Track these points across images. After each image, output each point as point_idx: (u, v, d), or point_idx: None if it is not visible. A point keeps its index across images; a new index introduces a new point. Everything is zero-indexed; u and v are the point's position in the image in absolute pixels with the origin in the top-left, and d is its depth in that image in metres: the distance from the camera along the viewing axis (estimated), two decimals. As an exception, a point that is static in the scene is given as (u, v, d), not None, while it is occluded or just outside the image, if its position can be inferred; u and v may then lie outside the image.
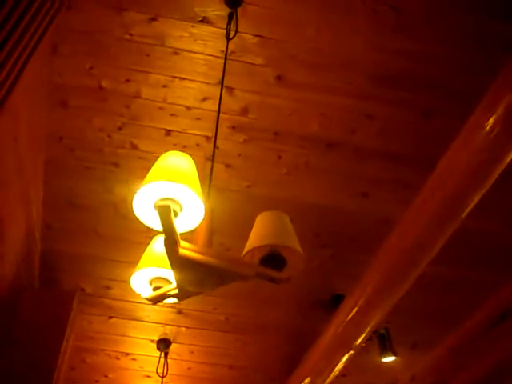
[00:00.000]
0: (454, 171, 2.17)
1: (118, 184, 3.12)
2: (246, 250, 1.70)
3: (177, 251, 1.50)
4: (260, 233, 1.73)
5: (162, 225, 1.45)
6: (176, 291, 1.72)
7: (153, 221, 1.55)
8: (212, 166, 2.21)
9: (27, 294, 3.19)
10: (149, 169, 3.00)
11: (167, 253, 1.52)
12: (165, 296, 1.77)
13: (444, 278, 3.72)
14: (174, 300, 1.82)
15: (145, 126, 2.88)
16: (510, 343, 1.82)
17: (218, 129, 2.76)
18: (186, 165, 1.55)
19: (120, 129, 2.89)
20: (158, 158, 2.90)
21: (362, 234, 3.43)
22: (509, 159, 2.06)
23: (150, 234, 3.30)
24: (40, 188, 3.12)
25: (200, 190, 1.51)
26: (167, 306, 3.83)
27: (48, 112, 2.81)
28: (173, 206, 1.45)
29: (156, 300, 1.79)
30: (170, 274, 1.81)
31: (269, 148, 2.95)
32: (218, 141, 2.89)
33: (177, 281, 1.65)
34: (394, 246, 2.72)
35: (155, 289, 1.81)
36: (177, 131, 2.89)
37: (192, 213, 1.54)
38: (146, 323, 3.98)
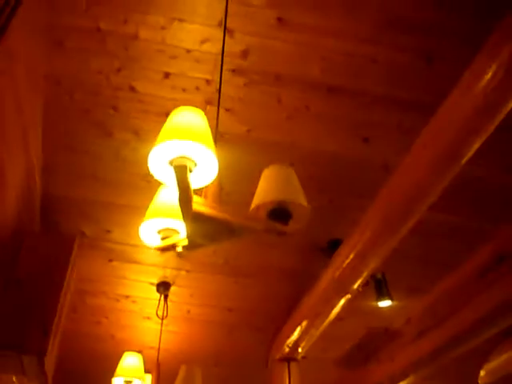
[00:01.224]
0: (455, 116, 2.16)
1: (117, 127, 3.10)
2: (253, 204, 1.74)
3: (191, 207, 1.54)
4: (267, 188, 1.77)
5: (178, 183, 1.48)
6: (185, 242, 1.78)
7: (167, 177, 1.56)
8: (218, 116, 2.19)
9: (28, 237, 3.20)
10: (147, 112, 2.99)
11: (181, 208, 1.55)
12: (174, 246, 1.83)
13: (442, 224, 3.74)
14: (183, 250, 1.87)
15: (143, 69, 2.84)
16: (504, 287, 1.84)
17: (219, 72, 2.74)
18: (199, 121, 1.56)
19: (118, 71, 2.85)
20: (156, 100, 2.90)
21: (361, 179, 3.43)
22: (511, 105, 2.05)
23: (150, 177, 3.29)
24: (39, 131, 3.10)
25: (214, 146, 1.53)
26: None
27: (46, 54, 2.76)
28: (188, 164, 1.48)
29: (165, 249, 1.86)
30: (178, 224, 1.85)
31: (269, 92, 2.92)
32: (218, 84, 2.88)
33: (188, 234, 1.70)
34: (393, 191, 2.72)
35: (164, 239, 1.86)
36: (176, 74, 2.85)
37: (205, 169, 1.56)
38: (146, 266, 4.03)
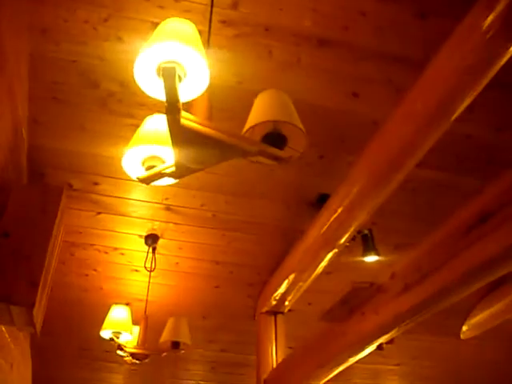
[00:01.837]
0: (445, 71, 2.14)
1: (104, 78, 3.06)
2: (246, 126, 1.65)
3: (179, 120, 1.43)
4: (261, 110, 1.68)
5: (166, 89, 1.37)
6: (172, 169, 1.66)
7: (154, 89, 1.47)
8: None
9: (15, 190, 3.18)
10: (134, 62, 2.94)
11: (168, 122, 1.45)
12: (159, 175, 1.70)
13: (429, 180, 3.76)
14: (168, 181, 1.76)
15: (130, 18, 2.78)
16: (488, 245, 1.85)
17: (208, 23, 2.69)
18: (190, 30, 1.47)
19: (105, 20, 2.78)
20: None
21: (351, 135, 3.42)
22: (504, 61, 2.03)
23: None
24: (25, 82, 3.04)
25: (205, 54, 1.44)
26: (155, 202, 3.87)
27: (31, 3, 2.69)
28: (178, 71, 1.37)
29: (149, 180, 1.72)
30: (164, 152, 1.75)
31: (260, 43, 2.87)
32: (207, 35, 2.83)
33: (176, 155, 1.58)
34: (381, 146, 2.72)
35: (148, 169, 1.74)
36: (164, 24, 2.80)
37: (196, 80, 1.46)
38: (134, 219, 4.03)
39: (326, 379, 3.45)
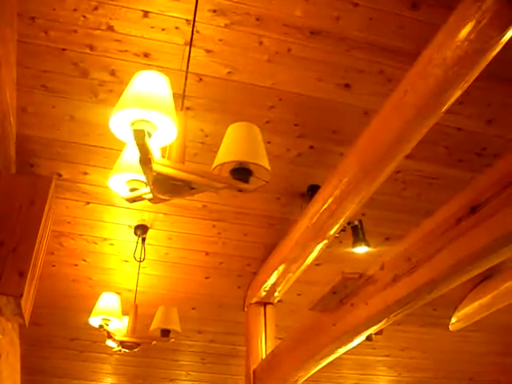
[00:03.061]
0: (437, 62, 2.14)
1: (93, 67, 3.04)
2: (215, 163, 1.80)
3: (151, 168, 1.62)
4: (229, 147, 1.82)
5: (137, 146, 1.55)
6: (150, 195, 1.85)
7: (128, 137, 1.63)
8: (188, 58, 2.15)
9: (3, 179, 3.16)
10: (125, 52, 2.93)
11: (142, 169, 1.65)
12: (140, 198, 1.93)
13: (420, 173, 3.78)
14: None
15: (121, 7, 2.76)
16: (478, 236, 1.86)
17: (199, 12, 2.67)
18: (159, 86, 1.63)
19: (95, 9, 2.76)
20: (134, 40, 2.83)
21: (342, 126, 3.42)
22: (495, 52, 2.03)
23: (127, 119, 3.25)
24: (13, 70, 3.02)
25: (174, 112, 1.61)
26: (145, 193, 3.85)
27: (18, -12, 2.67)
28: (147, 128, 1.55)
29: (133, 200, 1.96)
30: (144, 178, 1.91)
31: (251, 33, 2.86)
32: (198, 25, 2.82)
33: (151, 191, 1.78)
34: (372, 137, 2.72)
35: (132, 190, 1.96)
36: (155, 13, 2.78)
37: (166, 131, 1.63)
38: (124, 209, 4.01)
39: (315, 369, 3.46)
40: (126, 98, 1.58)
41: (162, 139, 1.67)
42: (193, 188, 1.76)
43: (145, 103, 1.54)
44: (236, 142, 1.82)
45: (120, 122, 1.59)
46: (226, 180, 1.77)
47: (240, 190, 1.80)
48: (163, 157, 1.76)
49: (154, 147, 1.69)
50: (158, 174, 1.66)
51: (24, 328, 4.35)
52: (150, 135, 1.56)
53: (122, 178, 1.98)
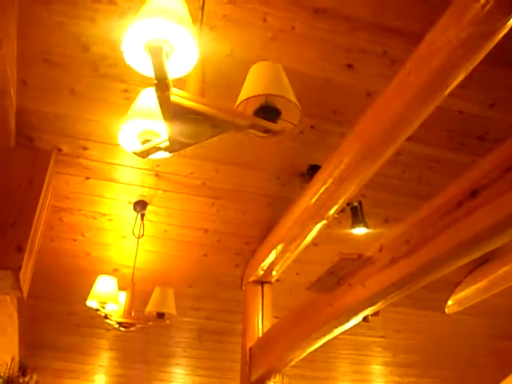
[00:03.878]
0: (441, 44, 2.11)
1: (95, 41, 3.00)
2: (239, 100, 1.65)
3: (168, 97, 1.45)
4: (254, 83, 1.67)
5: (154, 67, 1.38)
6: (166, 144, 1.68)
7: (143, 65, 1.47)
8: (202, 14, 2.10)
9: (3, 153, 3.16)
10: (127, 26, 2.88)
11: (158, 99, 1.47)
12: (154, 149, 1.73)
13: (421, 155, 3.77)
14: (163, 154, 1.77)
15: (124, -20, 2.73)
16: (478, 219, 1.86)
17: (202, -13, 2.63)
18: (178, 6, 1.45)
19: (97, -18, 2.73)
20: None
21: (344, 106, 3.40)
22: (500, 35, 2.00)
23: (129, 94, 3.23)
24: (13, 42, 2.98)
25: (194, 31, 1.43)
26: (144, 169, 3.84)
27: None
28: (165, 48, 1.38)
29: (145, 154, 1.75)
30: (159, 126, 1.76)
31: (255, 10, 2.83)
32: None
33: (168, 131, 1.61)
34: (374, 118, 2.70)
35: (144, 142, 1.76)
36: (158, -13, 2.74)
37: (184, 57, 1.46)
38: (123, 185, 4.00)
39: (311, 349, 3.48)
40: (142, 12, 1.41)
41: (180, 66, 1.48)
42: (215, 127, 1.59)
43: (164, 13, 1.37)
44: (260, 78, 1.67)
45: (134, 43, 1.41)
46: (251, 117, 1.60)
47: (267, 131, 1.62)
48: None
49: (172, 75, 1.49)
50: (177, 106, 1.48)
51: (23, 301, 4.37)
52: (167, 56, 1.39)
53: (134, 129, 1.80)
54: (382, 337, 6.03)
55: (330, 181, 3.15)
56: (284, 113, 1.65)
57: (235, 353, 5.41)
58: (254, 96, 1.60)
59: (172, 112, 1.50)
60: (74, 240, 4.53)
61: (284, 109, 1.64)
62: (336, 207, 3.32)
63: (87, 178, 3.94)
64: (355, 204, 3.89)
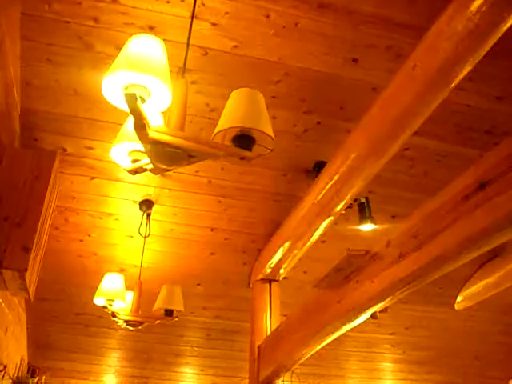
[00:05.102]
0: (447, 36, 2.09)
1: (98, 40, 2.99)
2: (217, 129, 1.75)
3: (146, 134, 1.58)
4: (232, 113, 1.76)
5: (130, 111, 1.51)
6: (151, 166, 1.84)
7: (122, 103, 1.58)
8: (190, 28, 2.11)
9: (8, 153, 3.14)
10: (130, 25, 2.88)
11: (137, 135, 1.61)
12: (142, 169, 1.91)
13: (429, 150, 3.74)
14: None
15: (126, -22, 2.71)
16: (486, 213, 1.83)
17: (205, -16, 2.62)
18: (154, 50, 1.58)
19: (99, -20, 2.72)
20: (139, 13, 2.78)
21: (350, 101, 3.38)
22: (507, 26, 1.97)
23: (132, 93, 3.21)
24: (17, 43, 2.98)
25: (168, 76, 1.56)
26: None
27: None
28: (140, 93, 1.51)
29: (134, 172, 1.94)
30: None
31: (257, 6, 2.80)
32: (203, -4, 2.77)
33: (150, 159, 1.75)
34: (380, 113, 2.68)
35: (133, 161, 1.93)
36: (160, -16, 2.73)
37: (161, 97, 1.59)
38: (129, 184, 3.99)
39: (320, 346, 3.46)
40: (118, 61, 1.53)
41: (157, 105, 1.62)
42: (192, 156, 1.72)
43: (136, 66, 1.51)
44: (238, 108, 1.76)
45: (112, 86, 1.55)
46: (226, 147, 1.72)
47: (242, 158, 1.75)
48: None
49: (151, 113, 1.65)
50: (155, 141, 1.62)
51: (31, 302, 4.37)
52: (143, 100, 1.52)
53: (124, 149, 1.94)
54: (392, 334, 5.99)
55: (336, 177, 3.13)
56: (259, 139, 1.76)
57: (244, 351, 5.40)
58: (230, 128, 1.72)
59: (150, 144, 1.65)
60: (81, 240, 4.52)
61: (259, 136, 1.74)
62: (343, 203, 3.30)
63: (92, 178, 3.93)
64: (362, 200, 3.86)
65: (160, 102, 1.61)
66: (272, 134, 1.75)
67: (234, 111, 1.76)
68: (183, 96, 1.75)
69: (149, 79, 1.51)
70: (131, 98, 1.48)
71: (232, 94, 1.84)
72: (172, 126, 1.70)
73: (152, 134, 1.60)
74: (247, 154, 1.73)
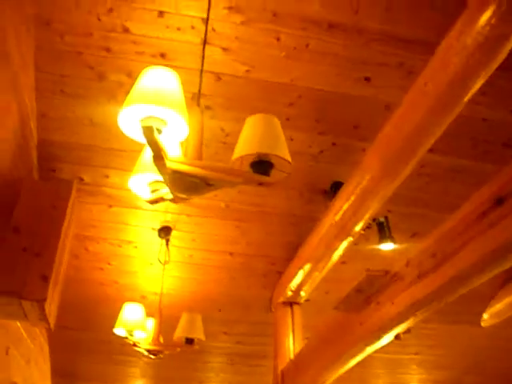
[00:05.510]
0: (457, 50, 2.07)
1: (111, 70, 3.02)
2: (235, 155, 1.74)
3: (164, 165, 1.58)
4: (249, 138, 1.76)
5: (148, 143, 1.51)
6: (171, 196, 1.82)
7: (140, 136, 1.58)
8: (203, 55, 2.12)
9: (26, 185, 3.17)
10: (141, 53, 2.91)
11: (156, 166, 1.60)
12: (162, 199, 1.89)
13: (446, 167, 3.70)
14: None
15: (136, 8, 2.74)
16: (504, 229, 1.79)
17: (214, 10, 2.64)
18: (168, 83, 1.58)
19: (110, 11, 2.75)
20: (150, 41, 2.81)
21: (364, 121, 3.36)
22: (515, 41, 1.95)
23: (146, 121, 3.23)
24: (31, 76, 3.02)
25: (184, 107, 1.56)
26: (167, 195, 3.83)
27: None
28: (156, 124, 1.51)
29: (154, 202, 1.92)
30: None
31: (267, 30, 2.82)
32: (214, 23, 2.79)
33: (169, 189, 1.74)
34: (393, 131, 2.66)
35: (153, 191, 1.92)
36: (170, 13, 2.75)
37: (177, 127, 1.58)
38: (147, 211, 4.00)
39: (344, 369, 3.41)
40: (133, 95, 1.54)
41: (174, 135, 1.62)
42: (211, 184, 1.71)
43: (152, 99, 1.51)
44: (255, 134, 1.76)
45: (129, 119, 1.56)
46: (244, 174, 1.71)
47: (261, 184, 1.75)
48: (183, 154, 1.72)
49: (169, 144, 1.66)
50: (174, 171, 1.62)
51: (53, 332, 4.37)
52: (159, 131, 1.53)
53: (143, 179, 1.94)
54: (416, 354, 5.90)
55: (353, 197, 3.11)
56: (277, 164, 1.75)
57: (268, 376, 5.34)
58: (247, 154, 1.72)
59: (169, 175, 1.64)
60: (101, 269, 4.53)
61: (277, 161, 1.74)
62: (361, 224, 3.27)
63: (110, 206, 3.95)
64: (381, 220, 3.83)
65: (177, 133, 1.61)
66: (289, 159, 1.74)
67: (251, 137, 1.76)
68: (199, 124, 1.76)
69: (165, 112, 1.52)
70: (149, 131, 1.49)
71: (247, 119, 1.84)
72: (190, 156, 1.70)
73: (170, 165, 1.60)
74: (265, 179, 1.72)
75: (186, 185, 1.69)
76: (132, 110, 1.52)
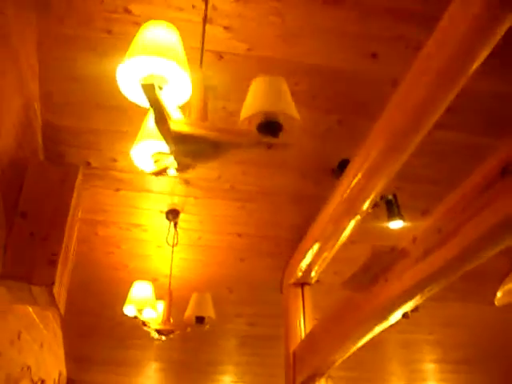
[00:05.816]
0: (462, 21, 2.02)
1: (114, 52, 3.00)
2: (241, 117, 1.67)
3: (168, 127, 1.51)
4: (255, 99, 1.68)
5: (149, 103, 1.43)
6: (175, 164, 1.76)
7: (140, 97, 1.52)
8: (203, 33, 2.10)
9: (32, 168, 3.17)
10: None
11: (158, 129, 1.53)
12: (165, 169, 1.82)
13: (452, 142, 3.64)
14: (175, 172, 1.85)
15: (137, -12, 2.71)
16: (508, 200, 1.75)
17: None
18: (169, 36, 1.51)
19: (111, -8, 2.72)
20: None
21: (370, 98, 3.31)
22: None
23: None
24: (34, 61, 3.01)
25: (186, 62, 1.48)
26: (173, 177, 3.81)
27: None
28: (158, 82, 1.43)
29: (158, 173, 1.85)
30: (167, 148, 1.80)
31: (269, 7, 2.77)
32: (215, 1, 2.75)
33: (173, 155, 1.68)
34: (398, 107, 2.61)
35: (156, 162, 1.85)
36: (171, -8, 2.72)
37: (180, 86, 1.51)
38: (154, 194, 3.99)
39: (354, 348, 3.39)
40: (134, 47, 1.46)
41: (176, 96, 1.54)
42: (217, 147, 1.64)
43: (155, 51, 1.43)
44: (261, 94, 1.69)
45: (128, 76, 1.47)
46: (251, 134, 1.64)
47: (270, 147, 1.67)
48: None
49: (170, 106, 1.57)
50: (177, 133, 1.55)
51: (66, 317, 4.40)
52: (161, 88, 1.45)
53: (146, 149, 1.88)
54: (430, 333, 5.87)
55: (359, 175, 3.07)
56: (287, 125, 1.67)
57: (280, 357, 5.36)
58: (254, 114, 1.63)
59: (173, 138, 1.56)
60: (111, 253, 4.55)
61: (285, 122, 1.66)
62: (369, 201, 3.23)
63: (118, 190, 3.95)
64: (390, 197, 3.78)
65: (180, 92, 1.53)
66: (298, 116, 1.67)
67: (257, 97, 1.69)
68: (201, 87, 1.69)
69: (168, 65, 1.43)
70: (150, 89, 1.40)
71: (253, 81, 1.78)
72: (194, 117, 1.63)
73: (173, 127, 1.53)
74: (274, 140, 1.64)
75: (190, 149, 1.63)
76: (133, 63, 1.43)
